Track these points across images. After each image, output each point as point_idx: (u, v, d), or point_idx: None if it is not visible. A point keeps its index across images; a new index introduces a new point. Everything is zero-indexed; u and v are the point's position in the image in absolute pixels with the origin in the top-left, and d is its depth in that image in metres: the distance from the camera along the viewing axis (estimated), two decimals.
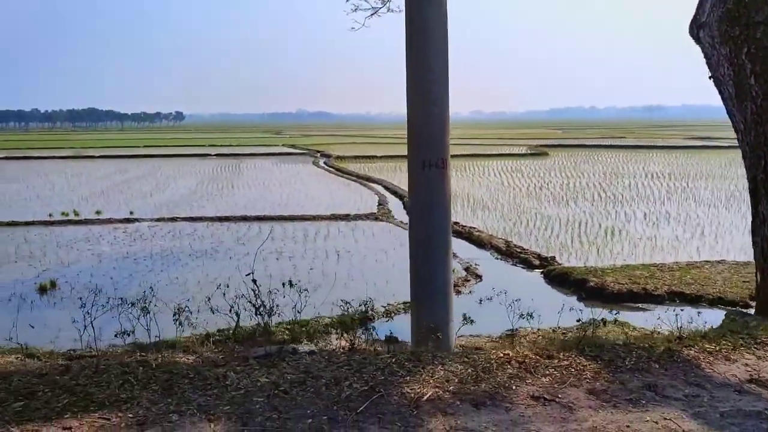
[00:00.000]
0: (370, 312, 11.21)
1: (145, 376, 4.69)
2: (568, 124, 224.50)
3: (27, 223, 21.86)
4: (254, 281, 8.19)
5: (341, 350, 5.57)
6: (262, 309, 8.12)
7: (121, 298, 7.85)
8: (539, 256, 15.68)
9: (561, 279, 13.92)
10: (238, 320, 8.67)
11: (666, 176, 36.63)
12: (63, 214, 23.71)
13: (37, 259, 16.40)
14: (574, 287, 13.33)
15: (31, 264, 15.88)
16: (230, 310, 8.33)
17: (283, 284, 8.18)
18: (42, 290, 13.42)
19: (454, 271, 14.78)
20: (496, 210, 24.26)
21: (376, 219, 22.35)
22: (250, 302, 8.04)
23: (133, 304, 7.42)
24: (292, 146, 77.51)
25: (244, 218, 22.75)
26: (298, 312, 8.83)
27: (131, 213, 23.93)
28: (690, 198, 27.03)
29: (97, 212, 24.18)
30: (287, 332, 10.45)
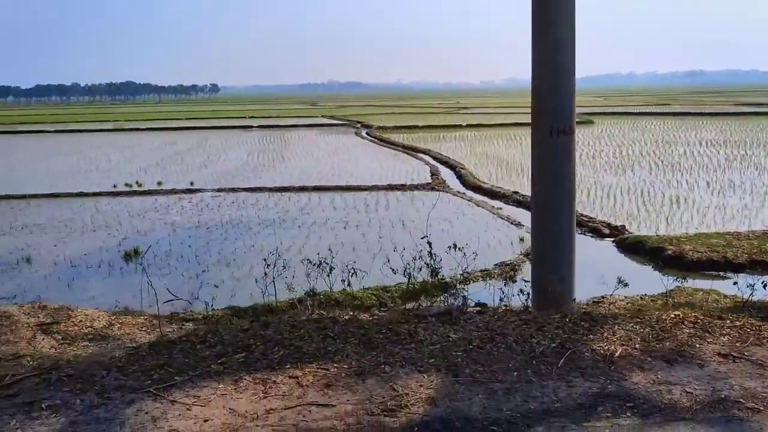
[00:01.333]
0: (452, 279, 11.48)
1: (341, 331, 4.95)
2: (606, 91, 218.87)
3: (94, 194, 22.64)
4: (429, 243, 8.84)
5: (504, 311, 5.69)
6: (433, 268, 8.74)
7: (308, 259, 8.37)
8: (608, 225, 15.60)
9: (634, 248, 13.86)
10: (409, 279, 9.27)
11: (721, 144, 35.62)
12: (126, 185, 24.45)
13: (113, 228, 17.03)
14: (650, 256, 13.26)
15: (109, 233, 16.51)
16: (404, 271, 9.01)
17: (450, 247, 8.74)
18: (127, 257, 13.97)
19: (522, 240, 14.91)
20: None
21: (433, 189, 22.42)
22: (426, 264, 8.72)
23: (319, 264, 7.90)
24: (331, 117, 77.64)
25: (302, 188, 23.10)
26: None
27: (191, 184, 24.53)
28: (751, 166, 26.33)
29: (159, 183, 24.84)
30: (374, 298, 10.71)
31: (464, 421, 3.63)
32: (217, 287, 11.90)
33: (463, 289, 12.20)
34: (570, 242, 8.32)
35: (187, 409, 3.76)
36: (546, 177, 8.39)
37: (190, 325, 7.75)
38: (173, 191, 23.01)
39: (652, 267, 12.83)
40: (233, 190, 23.13)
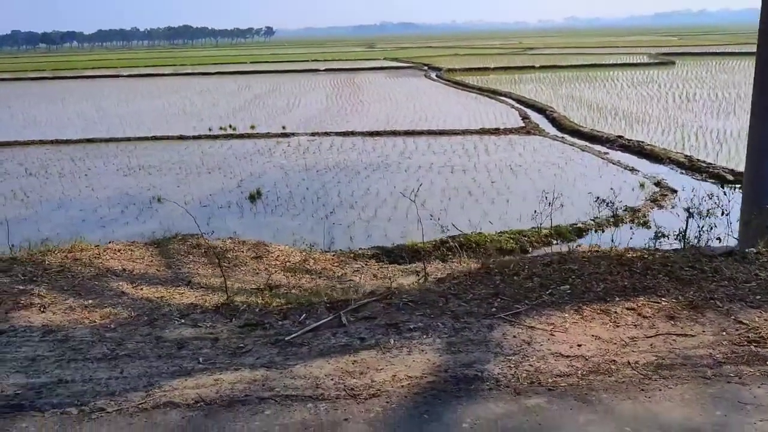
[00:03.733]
0: (585, 224, 11.42)
1: (643, 266, 4.89)
2: (678, 30, 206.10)
3: (194, 137, 23.31)
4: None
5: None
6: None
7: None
8: (732, 171, 15.05)
9: None
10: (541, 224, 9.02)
11: None
12: (221, 128, 25.04)
13: (226, 170, 17.59)
14: None
15: (224, 175, 17.08)
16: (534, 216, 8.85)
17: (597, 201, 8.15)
18: (252, 198, 14.48)
19: (643, 186, 14.58)
20: (651, 123, 23.21)
21: (528, 133, 22.03)
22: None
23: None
24: (394, 59, 76.42)
25: (394, 133, 23.11)
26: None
27: (284, 128, 24.89)
28: None
29: (252, 127, 25.33)
30: (512, 241, 10.78)
31: None
32: (349, 228, 12.25)
33: (600, 234, 12.12)
34: None
35: (551, 335, 3.97)
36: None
37: (358, 263, 8.03)
38: (268, 135, 23.43)
39: None
40: (326, 134, 23.36)
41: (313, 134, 23.40)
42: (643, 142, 19.08)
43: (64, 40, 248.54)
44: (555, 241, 10.99)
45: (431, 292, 4.53)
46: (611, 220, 12.12)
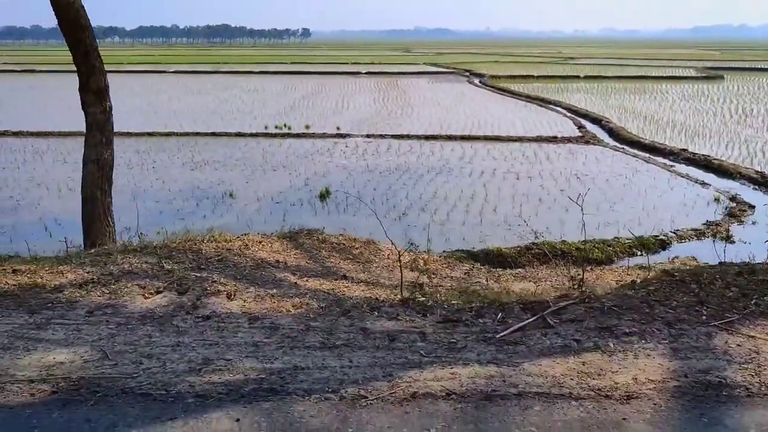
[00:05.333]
0: (668, 236, 11.28)
1: None
2: (720, 44, 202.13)
3: (252, 135, 23.64)
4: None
5: None
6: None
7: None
8: None
9: None
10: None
11: None
12: (277, 127, 25.35)
13: (291, 169, 17.80)
14: None
15: (289, 173, 17.28)
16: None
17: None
18: (321, 197, 14.63)
19: (718, 200, 14.34)
20: (712, 137, 22.81)
21: (587, 142, 21.85)
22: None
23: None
24: (434, 65, 76.53)
25: (449, 137, 23.13)
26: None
27: (338, 128, 25.09)
28: None
29: (307, 126, 25.58)
30: (597, 251, 10.70)
31: None
32: (425, 230, 12.29)
33: (682, 245, 11.90)
34: None
35: None
36: None
37: (465, 265, 8.07)
38: (324, 135, 23.64)
39: None
40: (381, 136, 23.48)
41: (368, 136, 23.54)
42: (708, 156, 18.77)
43: (106, 34, 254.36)
44: (639, 252, 10.89)
45: (630, 297, 4.54)
46: (693, 233, 12.00)
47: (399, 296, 4.85)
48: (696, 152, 19.30)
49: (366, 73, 61.60)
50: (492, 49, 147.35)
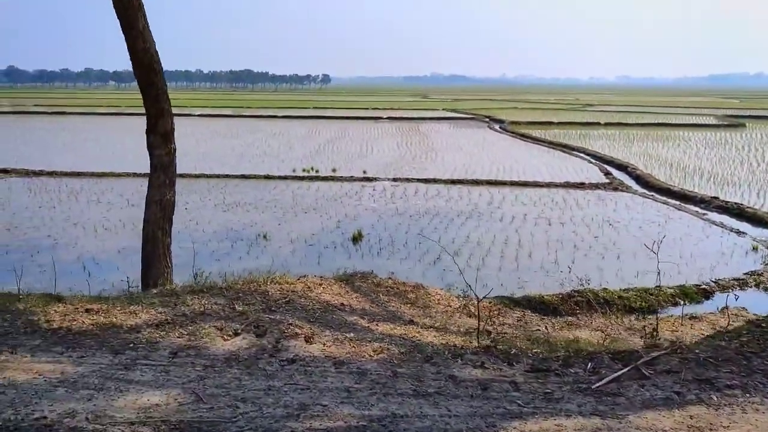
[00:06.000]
0: (710, 285, 11.08)
1: None
2: (737, 92, 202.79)
3: (280, 178, 23.95)
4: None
5: None
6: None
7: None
8: None
9: None
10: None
11: None
12: (304, 170, 25.68)
13: (321, 211, 17.93)
14: None
15: (320, 215, 17.40)
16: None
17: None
18: (354, 240, 14.67)
19: (756, 249, 14.13)
20: (742, 185, 22.65)
21: (615, 189, 21.79)
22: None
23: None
24: (453, 110, 77.45)
25: (476, 182, 23.23)
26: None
27: (364, 172, 25.33)
28: None
29: (333, 170, 25.88)
30: (640, 299, 10.54)
31: None
32: (460, 275, 12.20)
33: (724, 295, 11.69)
34: None
35: None
36: None
37: (516, 312, 7.98)
38: (351, 178, 23.87)
39: None
40: (408, 180, 23.65)
41: (395, 179, 23.73)
42: (741, 204, 18.60)
43: (132, 78, 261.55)
44: (682, 302, 10.71)
45: (724, 348, 4.45)
46: (735, 282, 11.79)
47: (475, 343, 4.79)
48: (728, 200, 19.13)
49: (387, 118, 62.45)
50: (509, 95, 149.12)
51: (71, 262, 12.83)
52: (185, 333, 4.66)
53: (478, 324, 5.13)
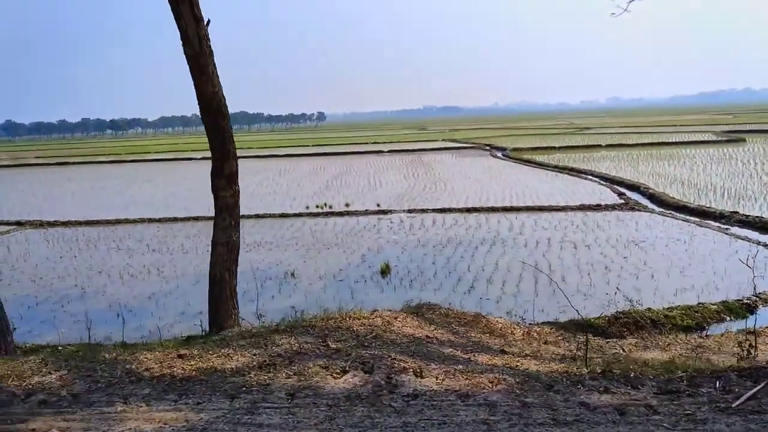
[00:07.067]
0: (752, 300, 10.98)
1: None
2: (729, 108, 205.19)
3: (295, 215, 23.95)
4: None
5: None
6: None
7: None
8: None
9: None
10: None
11: None
12: (317, 207, 25.70)
13: (344, 246, 17.86)
14: None
15: (344, 251, 17.32)
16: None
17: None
18: (383, 273, 14.56)
19: None
20: (758, 199, 22.67)
21: (632, 209, 21.80)
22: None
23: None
24: (452, 140, 78.06)
25: (492, 209, 23.23)
26: None
27: (378, 205, 25.36)
28: None
29: (347, 204, 25.91)
30: (686, 317, 10.42)
31: None
32: (498, 303, 12.11)
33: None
34: None
35: None
36: None
37: (580, 336, 7.86)
38: (366, 212, 23.87)
39: None
40: (423, 211, 23.66)
41: (410, 211, 23.73)
42: (762, 217, 18.59)
43: (130, 125, 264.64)
44: (727, 318, 10.60)
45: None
46: None
47: (584, 369, 4.68)
48: (749, 214, 19.12)
49: (389, 152, 62.89)
50: (504, 123, 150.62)
51: (104, 311, 12.71)
52: (292, 373, 4.54)
53: (586, 349, 5.04)
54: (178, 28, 7.31)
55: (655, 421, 3.66)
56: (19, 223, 25.04)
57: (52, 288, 14.63)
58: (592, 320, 10.01)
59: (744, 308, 10.96)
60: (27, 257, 18.43)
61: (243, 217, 24.48)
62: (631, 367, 4.72)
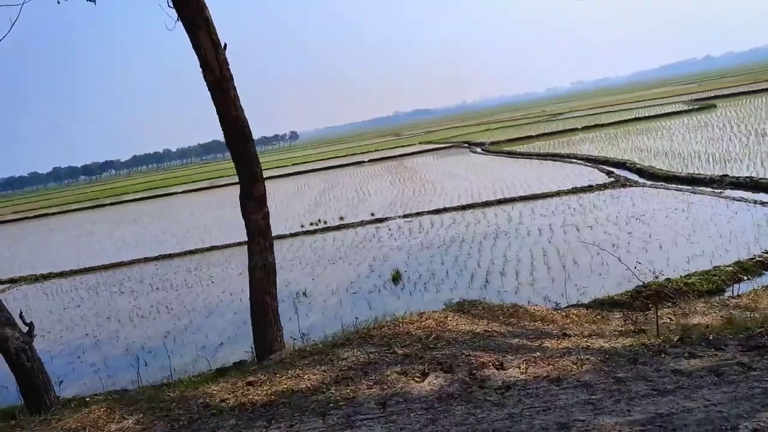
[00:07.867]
0: (764, 257, 11.14)
1: None
2: (690, 77, 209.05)
3: (292, 235, 23.84)
4: None
5: None
6: None
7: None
8: None
9: None
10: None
11: None
12: (312, 224, 25.60)
13: (348, 259, 17.80)
14: None
15: (349, 263, 17.25)
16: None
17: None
18: (394, 280, 14.54)
19: None
20: (744, 160, 23.06)
21: (624, 185, 22.05)
22: None
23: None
24: (429, 143, 78.46)
25: (486, 204, 23.33)
26: None
27: (372, 214, 25.35)
28: None
29: (341, 218, 25.85)
30: (706, 282, 10.53)
31: None
32: (517, 293, 12.13)
33: None
34: None
35: None
36: None
37: (615, 314, 7.91)
38: (362, 223, 23.84)
39: None
40: (418, 214, 23.68)
41: (405, 216, 23.75)
42: (752, 176, 18.91)
43: (102, 169, 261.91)
44: (744, 277, 10.75)
45: None
46: None
47: (655, 339, 4.71)
48: (738, 176, 19.44)
49: (369, 161, 63.01)
50: (476, 119, 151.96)
51: (122, 356, 12.50)
52: (372, 383, 4.51)
53: (657, 319, 5.08)
54: (197, 55, 7.33)
55: (755, 377, 3.70)
56: (12, 281, 24.55)
57: (62, 341, 14.36)
58: (615, 297, 10.09)
59: (758, 266, 11.12)
60: (29, 313, 17.98)
61: (240, 245, 24.39)
62: (704, 330, 4.76)
